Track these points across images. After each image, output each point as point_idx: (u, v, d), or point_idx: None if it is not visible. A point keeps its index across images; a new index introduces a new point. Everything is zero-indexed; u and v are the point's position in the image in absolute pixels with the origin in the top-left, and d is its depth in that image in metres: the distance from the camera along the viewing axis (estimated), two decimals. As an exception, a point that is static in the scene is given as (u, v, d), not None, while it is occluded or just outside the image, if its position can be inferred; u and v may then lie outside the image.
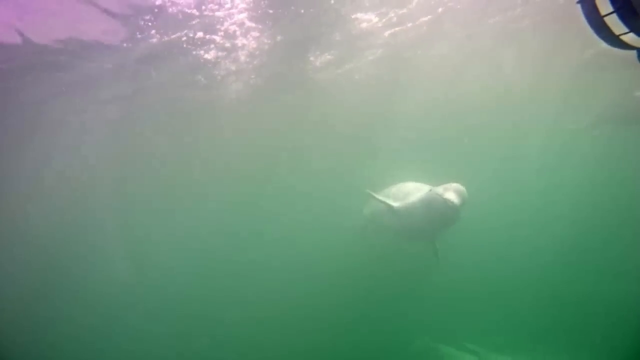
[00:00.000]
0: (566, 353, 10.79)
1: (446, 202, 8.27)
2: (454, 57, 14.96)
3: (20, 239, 21.13)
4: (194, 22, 10.17)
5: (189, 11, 9.58)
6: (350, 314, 12.94)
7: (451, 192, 8.32)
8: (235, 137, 19.78)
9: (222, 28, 10.82)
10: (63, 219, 22.28)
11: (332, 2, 10.63)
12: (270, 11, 10.17)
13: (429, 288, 13.08)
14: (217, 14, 10.05)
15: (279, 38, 11.37)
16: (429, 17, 12.08)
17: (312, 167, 22.47)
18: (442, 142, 21.55)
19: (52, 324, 15.26)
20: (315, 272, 14.99)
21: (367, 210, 11.78)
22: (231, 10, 10.04)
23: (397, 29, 12.66)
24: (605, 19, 2.25)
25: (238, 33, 11.09)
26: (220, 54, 12.01)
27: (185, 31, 10.51)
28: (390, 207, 9.82)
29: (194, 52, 11.76)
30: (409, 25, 12.50)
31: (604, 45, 2.40)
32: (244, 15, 10.33)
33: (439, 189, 8.66)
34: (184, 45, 11.30)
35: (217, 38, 11.14)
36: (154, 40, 10.59)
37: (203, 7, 9.74)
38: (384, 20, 11.90)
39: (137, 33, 10.09)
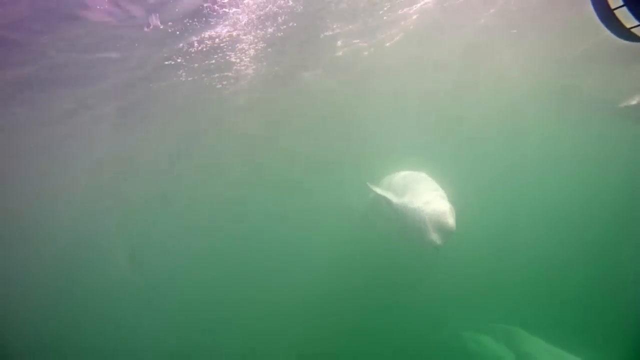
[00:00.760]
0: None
1: (430, 242, 8.12)
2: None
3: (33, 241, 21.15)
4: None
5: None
6: (373, 303, 13.00)
7: (435, 233, 8.05)
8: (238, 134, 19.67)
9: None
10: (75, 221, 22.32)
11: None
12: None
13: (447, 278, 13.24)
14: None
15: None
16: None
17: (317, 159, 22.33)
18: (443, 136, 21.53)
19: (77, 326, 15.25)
20: (333, 263, 14.96)
21: (369, 198, 11.69)
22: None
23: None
24: (616, 12, 2.27)
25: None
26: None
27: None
28: (389, 201, 9.67)
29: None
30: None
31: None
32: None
33: (427, 214, 8.32)
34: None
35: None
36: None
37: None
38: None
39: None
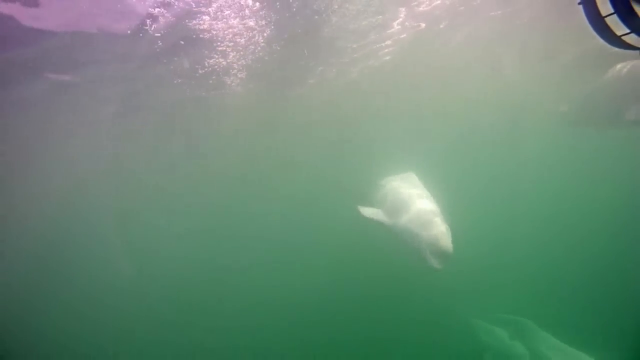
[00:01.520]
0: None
1: (429, 266, 8.05)
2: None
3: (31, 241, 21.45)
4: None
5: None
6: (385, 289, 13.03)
7: (433, 258, 7.98)
8: (238, 135, 19.88)
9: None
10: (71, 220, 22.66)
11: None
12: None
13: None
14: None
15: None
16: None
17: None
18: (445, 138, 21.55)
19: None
20: (344, 257, 15.02)
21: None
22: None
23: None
24: (607, 19, 2.30)
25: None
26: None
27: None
28: (382, 223, 9.56)
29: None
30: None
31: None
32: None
33: (424, 240, 8.22)
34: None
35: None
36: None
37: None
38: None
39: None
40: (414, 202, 9.36)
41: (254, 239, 20.59)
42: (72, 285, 19.63)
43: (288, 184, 23.08)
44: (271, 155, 22.42)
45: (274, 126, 19.16)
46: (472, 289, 13.67)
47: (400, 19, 12.16)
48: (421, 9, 11.49)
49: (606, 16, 2.30)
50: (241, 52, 11.88)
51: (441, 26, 12.54)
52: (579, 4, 2.46)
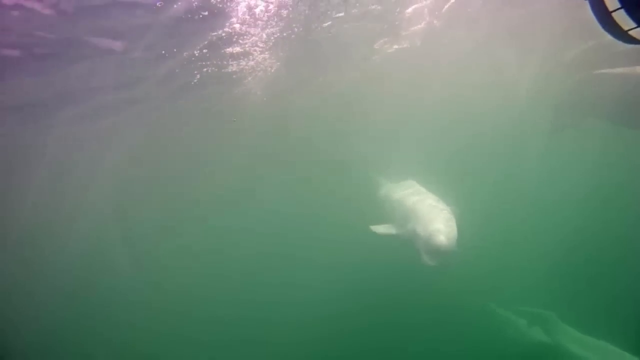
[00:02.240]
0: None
1: (430, 261, 8.21)
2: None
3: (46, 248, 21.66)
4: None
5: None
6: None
7: (428, 255, 8.17)
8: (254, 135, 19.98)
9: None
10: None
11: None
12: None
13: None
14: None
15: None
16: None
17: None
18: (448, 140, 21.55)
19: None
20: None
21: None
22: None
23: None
24: (613, 14, 2.27)
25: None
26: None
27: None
28: (393, 233, 9.82)
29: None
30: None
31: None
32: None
33: (424, 239, 8.40)
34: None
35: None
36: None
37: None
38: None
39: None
40: (412, 203, 9.67)
41: (262, 239, 20.62)
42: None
43: (294, 187, 23.14)
44: (277, 159, 22.52)
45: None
46: (490, 281, 13.72)
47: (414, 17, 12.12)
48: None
49: (613, 11, 2.28)
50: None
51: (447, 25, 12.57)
52: (586, -1, 2.44)
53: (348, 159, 21.17)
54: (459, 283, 12.46)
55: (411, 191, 10.53)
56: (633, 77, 10.84)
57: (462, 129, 21.48)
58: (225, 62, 12.75)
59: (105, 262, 21.26)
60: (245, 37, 11.25)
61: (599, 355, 10.24)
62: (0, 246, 21.15)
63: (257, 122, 17.90)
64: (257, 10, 10.02)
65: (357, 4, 10.73)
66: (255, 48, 12.15)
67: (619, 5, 2.23)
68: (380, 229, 9.99)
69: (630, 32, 2.24)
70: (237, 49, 11.92)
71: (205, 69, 12.94)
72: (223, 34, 10.82)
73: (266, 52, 12.53)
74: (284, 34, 11.38)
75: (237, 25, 10.53)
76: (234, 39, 11.25)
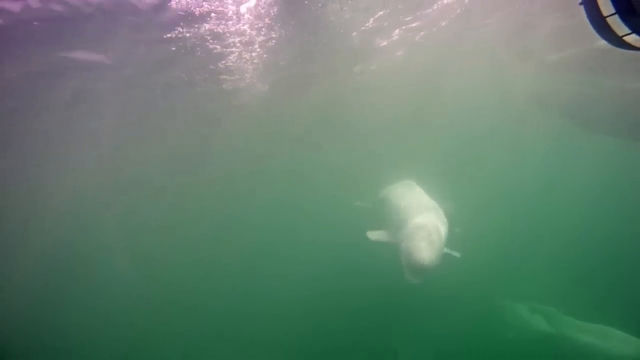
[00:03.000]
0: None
1: (414, 263, 8.24)
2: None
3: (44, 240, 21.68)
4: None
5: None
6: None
7: (414, 255, 8.24)
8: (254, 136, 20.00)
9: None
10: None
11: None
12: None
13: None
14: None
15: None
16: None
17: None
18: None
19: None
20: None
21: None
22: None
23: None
24: (608, 20, 2.27)
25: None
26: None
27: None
28: (387, 240, 9.90)
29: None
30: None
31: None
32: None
33: (405, 245, 8.54)
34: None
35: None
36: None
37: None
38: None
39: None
40: (404, 210, 9.83)
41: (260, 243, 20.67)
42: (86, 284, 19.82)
43: (291, 188, 23.17)
44: (275, 163, 22.56)
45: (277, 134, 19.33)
46: (492, 278, 13.85)
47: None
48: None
49: (607, 16, 2.27)
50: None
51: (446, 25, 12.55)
52: (580, 4, 2.43)
53: (347, 157, 21.23)
54: (461, 278, 12.47)
55: (407, 195, 10.60)
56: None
57: (463, 128, 21.46)
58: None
59: (102, 257, 21.31)
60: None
61: (601, 339, 10.48)
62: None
63: (257, 119, 17.86)
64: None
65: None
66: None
67: (613, 11, 2.23)
68: (375, 235, 10.08)
69: (625, 38, 2.23)
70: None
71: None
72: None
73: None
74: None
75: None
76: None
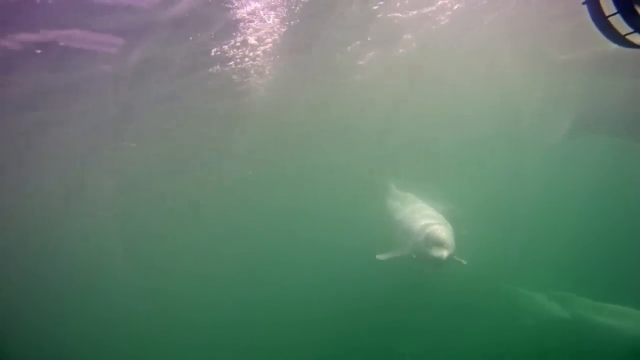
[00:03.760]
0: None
1: (433, 257, 8.58)
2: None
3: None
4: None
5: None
6: None
7: (433, 248, 8.57)
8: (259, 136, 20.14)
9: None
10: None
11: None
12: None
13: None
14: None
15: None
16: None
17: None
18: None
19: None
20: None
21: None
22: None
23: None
24: (610, 19, 2.31)
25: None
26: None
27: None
28: (398, 255, 10.19)
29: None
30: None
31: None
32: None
33: (421, 244, 8.88)
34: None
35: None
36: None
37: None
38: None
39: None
40: (410, 220, 10.25)
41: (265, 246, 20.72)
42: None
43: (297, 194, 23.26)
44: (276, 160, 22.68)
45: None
46: (507, 268, 13.90)
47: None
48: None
49: (610, 16, 2.32)
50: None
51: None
52: (583, 3, 2.48)
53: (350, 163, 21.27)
54: (473, 272, 12.44)
55: (410, 207, 11.00)
56: None
57: (465, 131, 21.41)
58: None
59: (102, 262, 21.53)
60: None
61: (621, 319, 10.48)
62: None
63: (258, 123, 18.00)
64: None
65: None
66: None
67: (615, 10, 2.27)
68: (384, 256, 10.37)
69: (628, 37, 2.28)
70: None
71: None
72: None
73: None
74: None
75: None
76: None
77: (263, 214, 23.22)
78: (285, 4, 9.96)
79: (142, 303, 17.02)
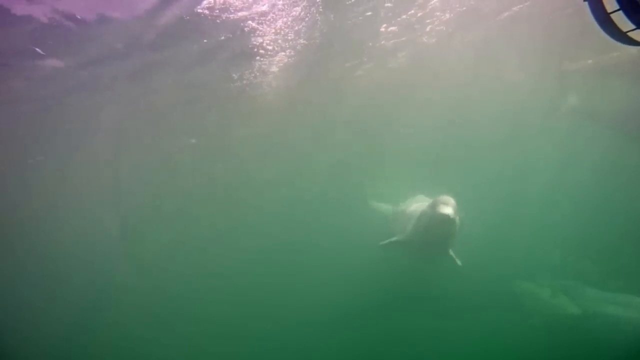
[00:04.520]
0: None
1: (440, 217, 8.63)
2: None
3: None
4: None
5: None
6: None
7: (440, 206, 8.67)
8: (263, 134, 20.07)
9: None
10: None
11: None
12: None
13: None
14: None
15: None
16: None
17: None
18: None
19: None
20: None
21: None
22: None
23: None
24: (612, 16, 2.28)
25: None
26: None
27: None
28: (397, 242, 10.47)
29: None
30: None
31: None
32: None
33: (428, 209, 9.09)
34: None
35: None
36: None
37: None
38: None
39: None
40: (413, 208, 10.62)
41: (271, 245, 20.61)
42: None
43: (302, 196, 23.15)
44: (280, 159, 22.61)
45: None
46: (508, 262, 13.96)
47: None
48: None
49: (611, 12, 2.28)
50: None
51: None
52: (585, 0, 2.44)
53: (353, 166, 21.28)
54: (474, 272, 12.44)
55: (415, 203, 11.22)
56: None
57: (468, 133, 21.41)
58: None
59: (102, 262, 21.35)
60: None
61: (628, 309, 10.55)
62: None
63: (265, 119, 17.98)
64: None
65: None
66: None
67: (617, 7, 2.24)
68: (386, 241, 10.68)
69: (629, 34, 2.24)
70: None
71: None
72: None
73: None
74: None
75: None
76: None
77: (269, 213, 23.01)
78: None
79: (144, 301, 16.92)
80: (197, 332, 14.37)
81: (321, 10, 10.38)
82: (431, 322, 12.06)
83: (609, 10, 2.29)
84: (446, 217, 8.50)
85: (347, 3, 10.39)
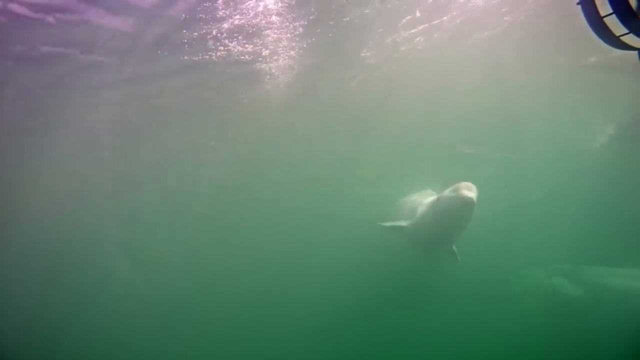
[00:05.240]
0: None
1: (463, 199, 8.17)
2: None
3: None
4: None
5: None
6: None
7: (464, 190, 8.22)
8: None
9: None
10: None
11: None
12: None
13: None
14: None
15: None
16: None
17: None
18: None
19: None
20: None
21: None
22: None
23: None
24: (605, 20, 2.27)
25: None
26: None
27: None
28: (401, 227, 10.09)
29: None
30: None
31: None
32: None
33: (447, 193, 8.69)
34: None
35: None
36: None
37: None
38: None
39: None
40: (421, 199, 10.28)
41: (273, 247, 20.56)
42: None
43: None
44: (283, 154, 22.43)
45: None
46: (507, 249, 14.03)
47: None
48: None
49: (605, 16, 2.28)
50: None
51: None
52: (578, 4, 2.43)
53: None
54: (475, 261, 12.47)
55: (422, 195, 10.90)
56: None
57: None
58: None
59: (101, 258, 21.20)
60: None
61: (632, 280, 10.53)
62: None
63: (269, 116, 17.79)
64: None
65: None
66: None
67: (610, 11, 2.23)
68: (388, 223, 10.35)
69: (622, 38, 2.23)
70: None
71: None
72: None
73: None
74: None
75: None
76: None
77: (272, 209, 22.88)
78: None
79: (144, 298, 16.81)
80: (197, 332, 14.38)
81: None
82: (431, 322, 12.13)
83: (602, 14, 2.29)
84: (470, 200, 8.08)
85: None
